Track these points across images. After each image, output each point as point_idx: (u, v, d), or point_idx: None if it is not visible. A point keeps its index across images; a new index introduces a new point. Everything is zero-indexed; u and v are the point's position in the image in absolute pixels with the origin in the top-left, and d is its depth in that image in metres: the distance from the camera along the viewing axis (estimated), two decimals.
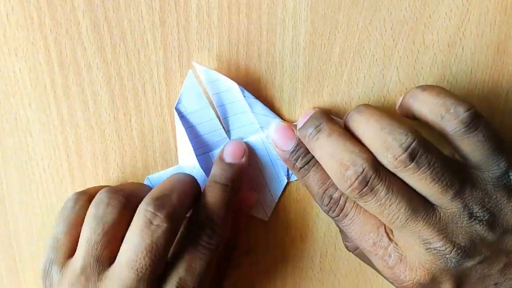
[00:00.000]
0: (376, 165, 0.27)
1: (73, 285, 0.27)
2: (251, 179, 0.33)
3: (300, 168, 0.30)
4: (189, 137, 0.31)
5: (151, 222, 0.27)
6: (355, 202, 0.29)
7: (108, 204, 0.28)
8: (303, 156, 0.30)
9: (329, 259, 0.36)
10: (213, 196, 0.30)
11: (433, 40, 0.31)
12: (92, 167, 0.33)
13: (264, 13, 0.30)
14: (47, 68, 0.30)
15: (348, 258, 0.36)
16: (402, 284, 0.28)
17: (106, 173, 0.33)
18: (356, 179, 0.26)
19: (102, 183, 0.33)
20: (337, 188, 0.29)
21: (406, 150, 0.26)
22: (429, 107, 0.27)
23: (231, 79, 0.30)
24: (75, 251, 0.29)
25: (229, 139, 0.32)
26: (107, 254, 0.28)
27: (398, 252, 0.28)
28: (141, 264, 0.26)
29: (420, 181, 0.26)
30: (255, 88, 0.31)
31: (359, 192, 0.27)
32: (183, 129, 0.31)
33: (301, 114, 0.32)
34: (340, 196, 0.29)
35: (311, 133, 0.29)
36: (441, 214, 0.27)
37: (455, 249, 0.26)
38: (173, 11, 0.29)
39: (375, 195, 0.27)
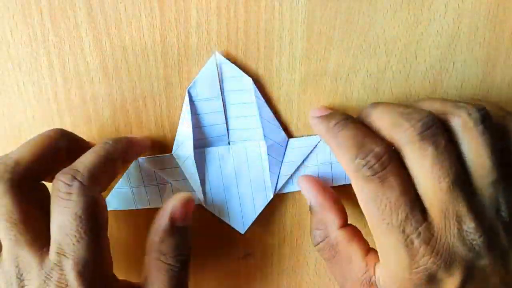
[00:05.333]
0: (438, 120, 0.26)
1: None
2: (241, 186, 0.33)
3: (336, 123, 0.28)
4: (192, 125, 0.31)
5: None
6: (399, 164, 0.26)
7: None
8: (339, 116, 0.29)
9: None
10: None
11: (425, 56, 0.32)
12: None
13: (262, 30, 0.30)
14: (50, 82, 0.31)
15: None
16: (413, 269, 0.26)
17: None
18: (420, 120, 0.26)
19: None
20: (379, 144, 0.26)
21: (479, 111, 0.26)
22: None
23: None
24: None
25: (228, 138, 0.33)
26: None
27: (429, 232, 0.25)
28: None
29: (478, 146, 0.26)
30: None
31: (420, 132, 0.25)
32: (189, 115, 0.31)
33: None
34: (384, 153, 0.26)
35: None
36: (479, 197, 0.26)
37: (483, 236, 0.25)
38: (173, 28, 0.30)
39: (435, 142, 0.25)
